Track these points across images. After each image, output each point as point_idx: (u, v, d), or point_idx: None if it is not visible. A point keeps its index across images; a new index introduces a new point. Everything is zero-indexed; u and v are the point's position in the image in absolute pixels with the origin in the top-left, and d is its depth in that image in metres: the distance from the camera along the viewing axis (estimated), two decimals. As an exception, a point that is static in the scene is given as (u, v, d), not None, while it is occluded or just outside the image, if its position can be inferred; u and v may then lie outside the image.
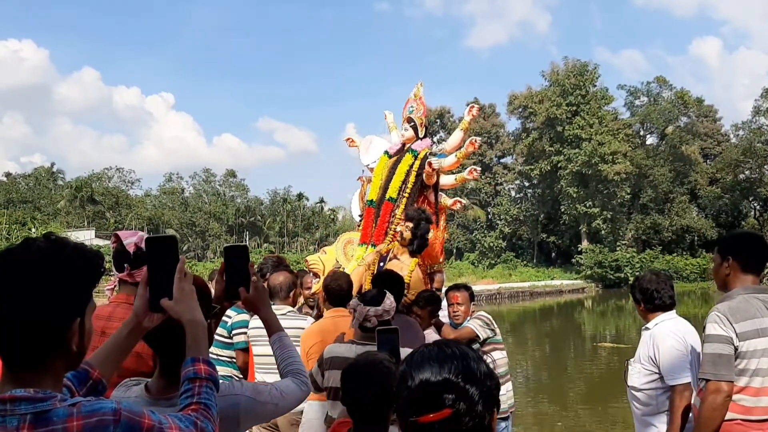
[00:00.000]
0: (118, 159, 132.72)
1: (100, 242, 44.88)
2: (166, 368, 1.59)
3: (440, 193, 5.56)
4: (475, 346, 4.19)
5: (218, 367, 4.03)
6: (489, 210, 62.79)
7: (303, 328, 3.72)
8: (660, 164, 56.63)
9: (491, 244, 60.02)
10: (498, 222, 61.45)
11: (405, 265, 4.53)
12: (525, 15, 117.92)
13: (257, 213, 72.29)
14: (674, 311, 3.32)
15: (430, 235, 4.86)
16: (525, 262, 60.18)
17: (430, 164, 5.11)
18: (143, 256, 1.82)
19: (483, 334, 4.37)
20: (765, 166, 55.04)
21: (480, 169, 5.93)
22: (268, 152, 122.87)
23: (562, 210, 56.67)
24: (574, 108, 55.01)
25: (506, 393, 4.39)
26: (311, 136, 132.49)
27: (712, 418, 2.58)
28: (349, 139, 6.02)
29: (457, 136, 5.52)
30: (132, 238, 2.42)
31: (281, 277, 3.92)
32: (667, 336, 3.17)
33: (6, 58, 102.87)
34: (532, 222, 60.74)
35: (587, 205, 54.18)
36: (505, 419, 4.35)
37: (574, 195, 54.42)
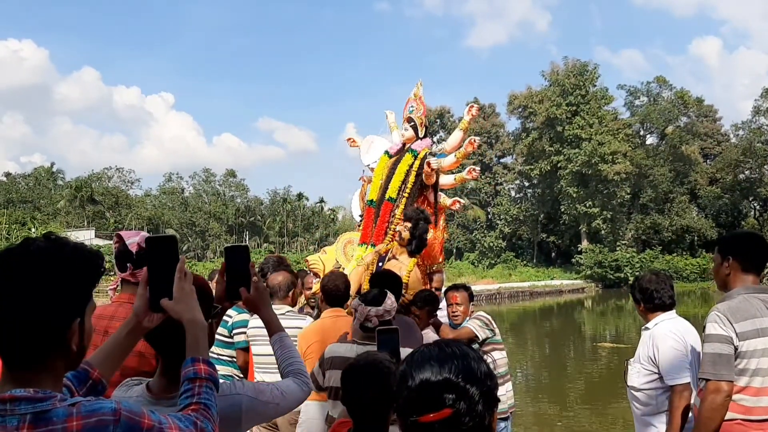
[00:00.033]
0: (118, 159, 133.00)
1: (100, 242, 44.90)
2: (167, 368, 1.59)
3: (440, 192, 5.56)
4: (475, 346, 4.19)
5: (219, 367, 4.04)
6: (489, 210, 62.83)
7: (302, 328, 3.72)
8: (660, 164, 56.65)
9: (491, 244, 60.03)
10: (498, 222, 61.47)
11: (403, 265, 4.53)
12: (525, 15, 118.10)
13: (257, 213, 72.30)
14: (674, 311, 3.32)
15: (430, 235, 4.86)
16: (525, 262, 60.19)
17: (428, 164, 5.12)
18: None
19: (482, 334, 4.36)
20: (765, 166, 55.05)
21: (479, 168, 5.92)
22: (268, 152, 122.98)
23: (562, 210, 56.68)
24: (574, 108, 55.01)
25: (506, 393, 4.39)
26: (311, 136, 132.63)
27: (712, 417, 2.58)
28: (350, 139, 6.03)
29: (456, 135, 5.52)
30: (134, 238, 2.43)
31: (280, 277, 3.93)
32: (666, 336, 3.17)
33: (6, 58, 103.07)
34: (532, 222, 60.75)
35: (587, 205, 54.18)
36: (504, 419, 4.34)
37: (574, 195, 54.43)
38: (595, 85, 57.06)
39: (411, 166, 5.26)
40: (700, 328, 2.92)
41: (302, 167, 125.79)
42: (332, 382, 2.90)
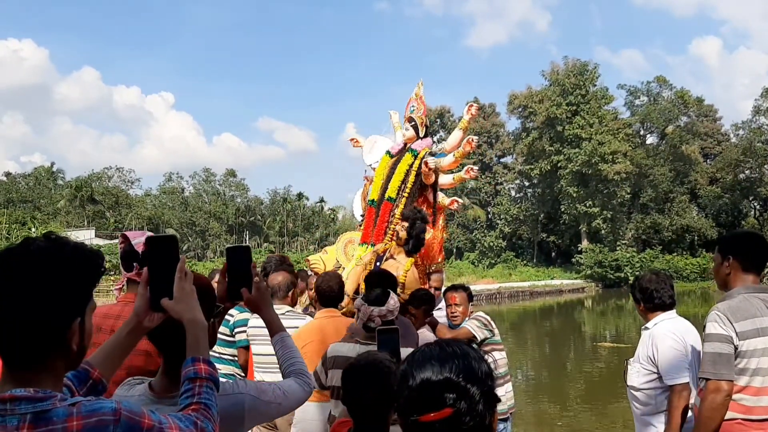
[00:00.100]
0: (118, 159, 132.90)
1: (100, 242, 44.95)
2: (169, 367, 1.59)
3: (440, 192, 5.57)
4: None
5: (221, 366, 4.02)
6: (489, 210, 62.82)
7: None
8: (660, 164, 56.64)
9: (491, 244, 60.03)
10: (498, 221, 61.46)
11: (401, 265, 4.54)
12: (525, 15, 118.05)
13: (257, 213, 72.27)
14: (674, 311, 3.32)
15: (429, 234, 4.86)
16: (525, 262, 60.20)
17: (426, 163, 5.12)
18: None
19: (480, 335, 4.34)
20: (765, 166, 55.04)
21: (478, 168, 5.93)
22: (268, 152, 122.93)
23: (562, 210, 56.67)
24: (574, 108, 55.00)
25: (506, 394, 4.37)
26: (311, 135, 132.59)
27: (712, 417, 2.58)
28: (353, 139, 6.04)
29: (456, 135, 5.53)
30: (140, 238, 2.45)
31: (280, 277, 3.93)
32: (666, 336, 3.17)
33: (6, 58, 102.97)
34: (532, 222, 60.74)
35: (587, 204, 54.17)
36: (504, 420, 4.33)
37: (574, 195, 54.42)
38: (595, 85, 57.04)
39: (411, 166, 5.27)
40: (701, 327, 2.92)
41: (302, 167, 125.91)
42: (335, 381, 2.90)
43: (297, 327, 3.71)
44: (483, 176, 61.55)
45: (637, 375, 3.26)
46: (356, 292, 4.49)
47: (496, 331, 4.48)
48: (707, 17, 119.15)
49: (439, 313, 4.60)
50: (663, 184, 56.16)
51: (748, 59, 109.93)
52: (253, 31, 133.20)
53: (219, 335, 3.19)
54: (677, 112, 59.09)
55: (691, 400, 3.04)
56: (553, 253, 63.51)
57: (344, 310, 4.56)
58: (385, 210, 5.18)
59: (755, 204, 59.44)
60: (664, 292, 3.29)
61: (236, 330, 4.08)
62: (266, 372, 3.65)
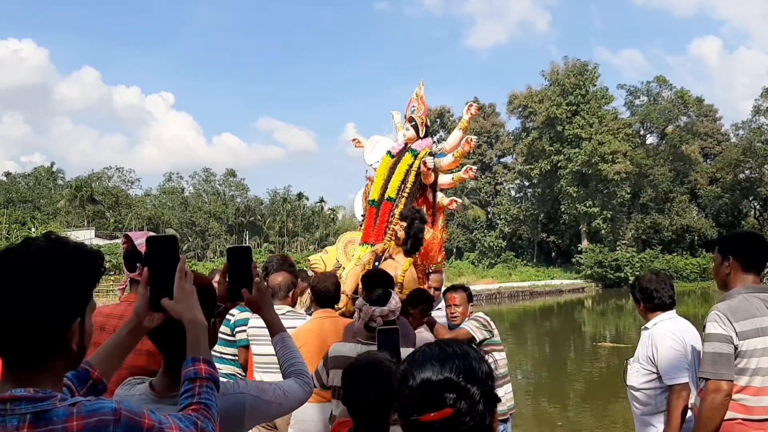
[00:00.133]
0: (118, 158, 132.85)
1: (100, 242, 44.98)
2: (170, 366, 1.60)
3: (439, 192, 5.57)
4: (474, 346, 4.16)
5: (222, 365, 4.02)
6: (489, 209, 62.82)
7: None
8: (660, 164, 56.64)
9: (491, 244, 60.03)
10: (498, 221, 61.46)
11: (399, 265, 4.54)
12: (525, 15, 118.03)
13: (257, 213, 72.28)
14: (674, 311, 3.33)
15: (428, 235, 4.87)
16: (525, 262, 60.20)
17: (424, 163, 5.13)
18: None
19: (479, 335, 4.32)
20: (765, 166, 55.04)
21: (476, 167, 5.94)
22: (268, 152, 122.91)
23: (562, 209, 56.67)
24: (574, 107, 55.00)
25: (506, 395, 4.36)
26: (311, 136, 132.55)
27: (711, 417, 2.58)
28: (355, 140, 6.06)
29: (456, 135, 5.53)
30: (143, 239, 2.46)
31: (280, 278, 3.93)
32: (665, 336, 3.18)
33: (6, 58, 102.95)
34: (532, 221, 60.75)
35: (587, 204, 54.17)
36: (504, 421, 4.31)
37: (574, 194, 54.42)
38: (595, 85, 57.04)
39: (411, 166, 5.27)
40: (700, 327, 2.92)
41: (302, 167, 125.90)
42: (336, 381, 2.90)
43: (297, 327, 3.72)
44: (483, 176, 61.58)
45: (637, 375, 3.26)
46: (355, 292, 4.49)
47: (496, 331, 4.46)
48: (707, 17, 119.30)
49: (439, 314, 4.59)
50: (663, 184, 56.17)
51: (748, 59, 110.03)
52: (253, 31, 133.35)
53: (220, 335, 3.19)
54: (677, 112, 59.09)
55: (691, 400, 3.05)
56: (553, 253, 63.51)
57: (343, 310, 4.57)
58: (385, 210, 5.18)
59: (755, 204, 59.45)
60: (664, 292, 3.29)
61: (237, 329, 4.08)
62: (266, 372, 3.65)
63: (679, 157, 57.35)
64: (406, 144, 5.49)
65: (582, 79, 56.05)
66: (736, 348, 2.60)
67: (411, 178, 5.24)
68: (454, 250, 60.78)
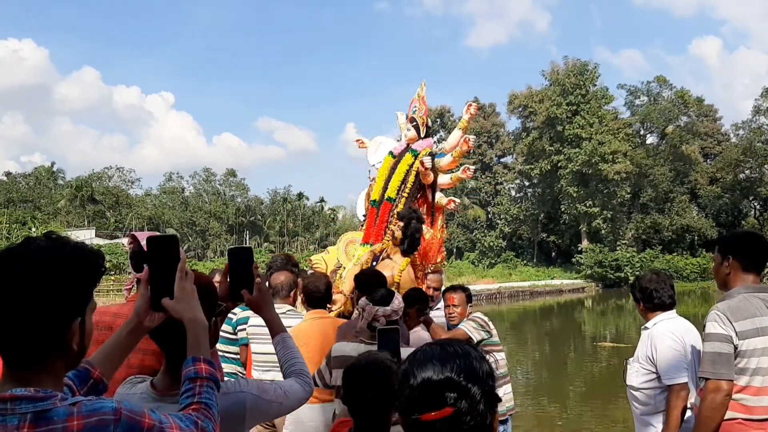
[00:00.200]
0: (118, 158, 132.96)
1: (101, 241, 45.02)
2: (171, 365, 1.60)
3: (439, 192, 5.57)
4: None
5: (223, 364, 4.00)
6: (489, 209, 62.83)
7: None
8: (660, 164, 56.62)
9: (491, 244, 60.04)
10: (498, 221, 61.47)
11: (396, 265, 4.55)
12: (525, 15, 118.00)
13: (257, 212, 72.27)
14: (674, 311, 3.33)
15: (428, 235, 4.87)
16: (525, 262, 60.20)
17: (422, 163, 5.13)
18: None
19: (477, 336, 4.29)
20: (765, 166, 55.03)
21: (474, 167, 5.95)
22: (268, 152, 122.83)
23: (562, 209, 56.67)
24: (574, 107, 54.99)
25: (505, 395, 4.34)
26: (311, 135, 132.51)
27: (712, 417, 2.58)
28: (359, 140, 6.08)
29: (455, 135, 5.53)
30: None
31: (282, 277, 3.94)
32: (665, 336, 3.18)
33: (6, 58, 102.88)
34: (532, 221, 60.74)
35: (587, 204, 54.17)
36: (504, 422, 4.30)
37: (574, 194, 54.42)
38: (595, 85, 57.02)
39: (411, 166, 5.28)
40: (700, 327, 2.92)
41: (302, 167, 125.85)
42: (338, 380, 2.90)
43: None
44: (483, 176, 61.59)
45: (637, 375, 3.26)
46: (353, 291, 4.49)
47: (494, 332, 4.42)
48: (707, 17, 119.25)
49: (438, 314, 4.59)
50: (663, 184, 56.16)
51: (748, 59, 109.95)
52: (253, 31, 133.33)
53: (222, 333, 3.19)
54: (677, 112, 59.08)
55: (691, 400, 3.05)
56: (553, 253, 63.51)
57: (342, 310, 4.57)
58: (385, 210, 5.19)
59: (755, 204, 59.43)
60: (664, 291, 3.29)
61: (239, 328, 4.10)
62: (265, 371, 3.66)
63: (679, 157, 57.34)
64: (408, 144, 5.50)
65: (582, 79, 56.03)
66: (736, 348, 2.60)
67: (411, 178, 5.24)
68: (454, 250, 60.77)
